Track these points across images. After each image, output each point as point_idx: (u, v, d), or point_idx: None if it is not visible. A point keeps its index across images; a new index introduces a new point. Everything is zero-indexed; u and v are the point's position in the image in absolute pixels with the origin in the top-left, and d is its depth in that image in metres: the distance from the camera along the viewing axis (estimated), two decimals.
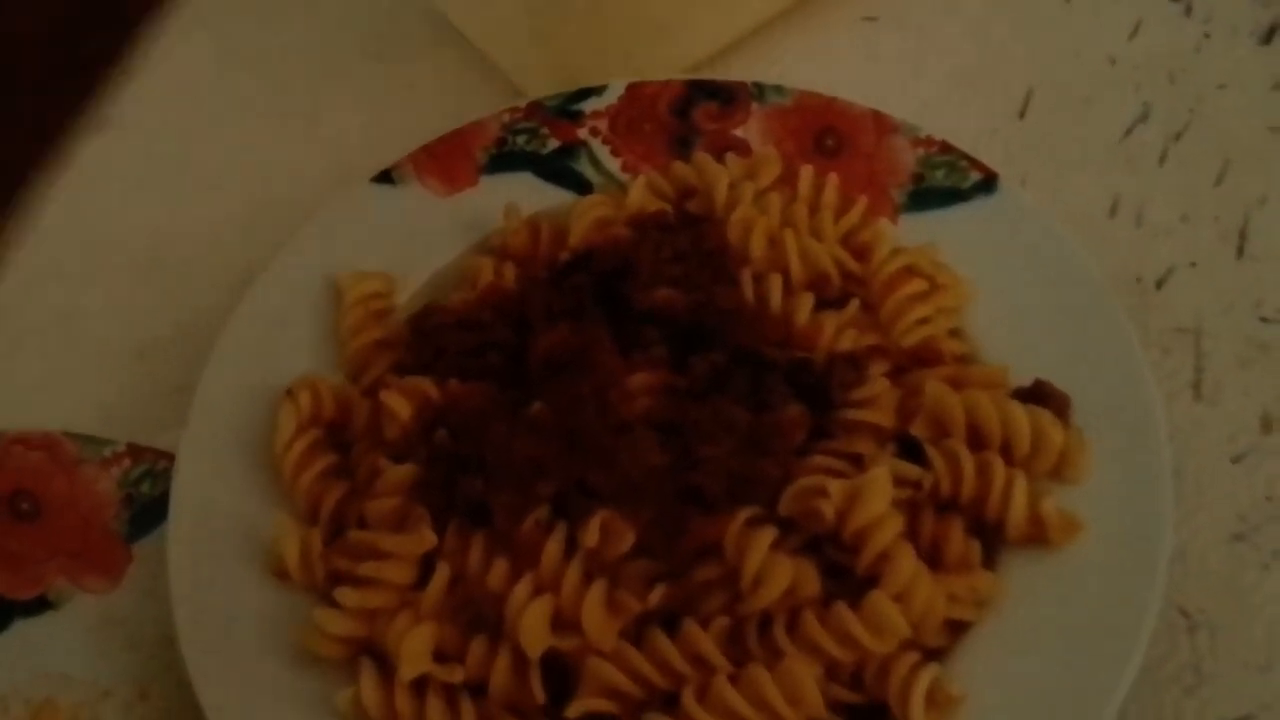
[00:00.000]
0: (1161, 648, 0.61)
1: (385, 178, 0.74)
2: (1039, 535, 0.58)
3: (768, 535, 0.56)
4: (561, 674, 0.57)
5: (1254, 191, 0.75)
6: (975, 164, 0.69)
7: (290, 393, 0.65)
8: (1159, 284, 0.72)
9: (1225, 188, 0.75)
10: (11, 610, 0.67)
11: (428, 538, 0.58)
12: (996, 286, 0.65)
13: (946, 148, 0.70)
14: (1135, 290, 0.71)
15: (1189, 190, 0.75)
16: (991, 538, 0.58)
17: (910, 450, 0.60)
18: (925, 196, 0.69)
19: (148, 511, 0.68)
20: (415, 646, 0.56)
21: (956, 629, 0.57)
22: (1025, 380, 0.62)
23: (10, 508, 0.69)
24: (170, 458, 0.68)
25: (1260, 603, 0.62)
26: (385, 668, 0.58)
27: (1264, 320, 0.70)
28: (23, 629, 0.67)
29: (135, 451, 0.69)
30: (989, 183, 0.69)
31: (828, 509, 0.56)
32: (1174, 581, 0.61)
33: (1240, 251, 0.73)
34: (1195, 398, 0.68)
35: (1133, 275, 0.72)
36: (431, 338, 0.65)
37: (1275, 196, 0.74)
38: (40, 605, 0.67)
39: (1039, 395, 0.61)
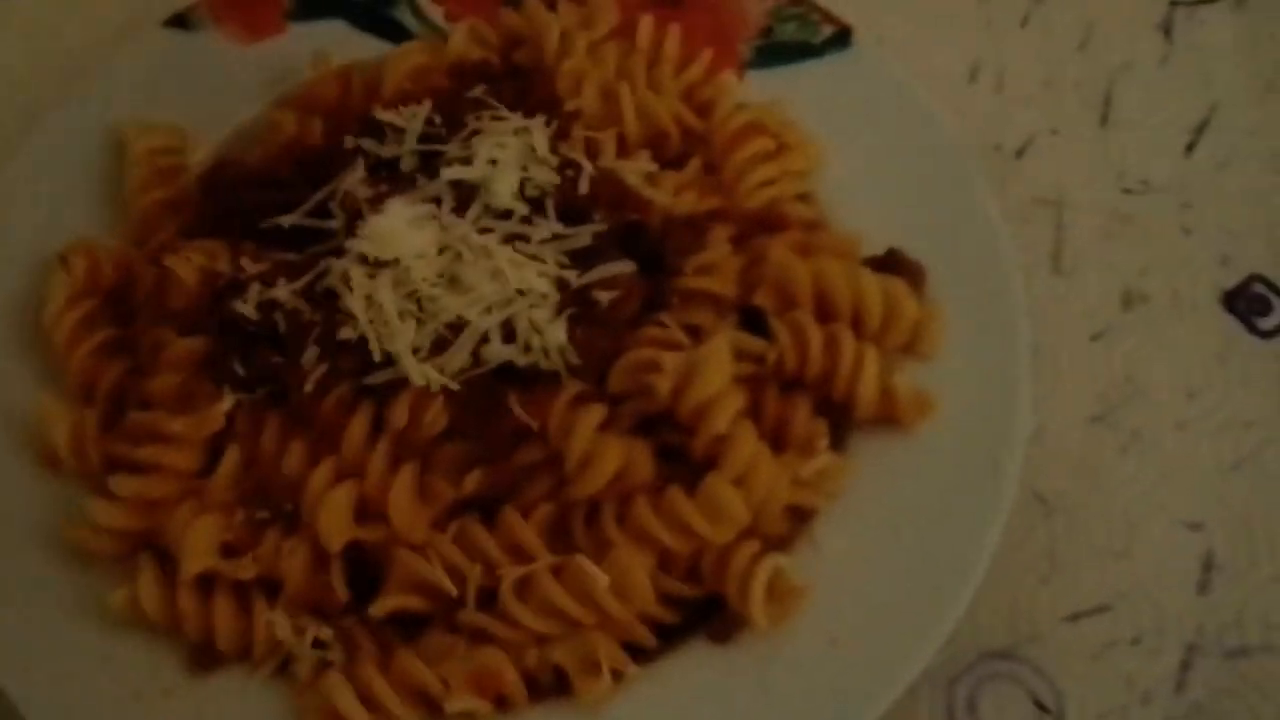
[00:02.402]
0: (1017, 534, 0.57)
1: (179, 22, 0.67)
2: (890, 414, 0.54)
3: (596, 413, 0.51)
4: (365, 570, 0.52)
5: (1118, 57, 0.71)
6: (828, 17, 0.64)
7: (63, 258, 0.58)
8: (1019, 153, 0.68)
9: (1089, 53, 0.71)
10: None
11: (216, 416, 0.52)
12: (849, 150, 0.60)
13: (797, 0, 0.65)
14: (995, 159, 0.67)
15: (1051, 55, 0.71)
16: (840, 418, 0.54)
17: (753, 324, 0.55)
18: (775, 52, 0.64)
19: None
20: (200, 539, 0.50)
21: (801, 516, 0.53)
22: (878, 249, 0.57)
23: None
24: None
25: (1118, 486, 0.59)
26: (168, 565, 0.52)
27: (1127, 191, 0.66)
28: None
29: None
30: (843, 37, 0.63)
31: (662, 384, 0.51)
32: (1031, 464, 0.58)
33: (1104, 119, 0.69)
34: (1054, 271, 0.64)
35: (992, 143, 0.68)
36: (224, 196, 0.58)
37: (1140, 62, 0.70)
38: None
39: (892, 265, 0.56)
